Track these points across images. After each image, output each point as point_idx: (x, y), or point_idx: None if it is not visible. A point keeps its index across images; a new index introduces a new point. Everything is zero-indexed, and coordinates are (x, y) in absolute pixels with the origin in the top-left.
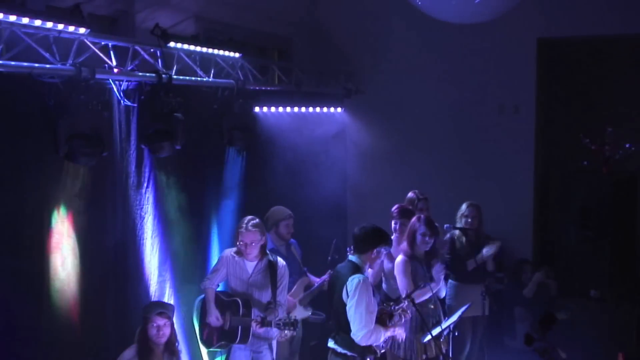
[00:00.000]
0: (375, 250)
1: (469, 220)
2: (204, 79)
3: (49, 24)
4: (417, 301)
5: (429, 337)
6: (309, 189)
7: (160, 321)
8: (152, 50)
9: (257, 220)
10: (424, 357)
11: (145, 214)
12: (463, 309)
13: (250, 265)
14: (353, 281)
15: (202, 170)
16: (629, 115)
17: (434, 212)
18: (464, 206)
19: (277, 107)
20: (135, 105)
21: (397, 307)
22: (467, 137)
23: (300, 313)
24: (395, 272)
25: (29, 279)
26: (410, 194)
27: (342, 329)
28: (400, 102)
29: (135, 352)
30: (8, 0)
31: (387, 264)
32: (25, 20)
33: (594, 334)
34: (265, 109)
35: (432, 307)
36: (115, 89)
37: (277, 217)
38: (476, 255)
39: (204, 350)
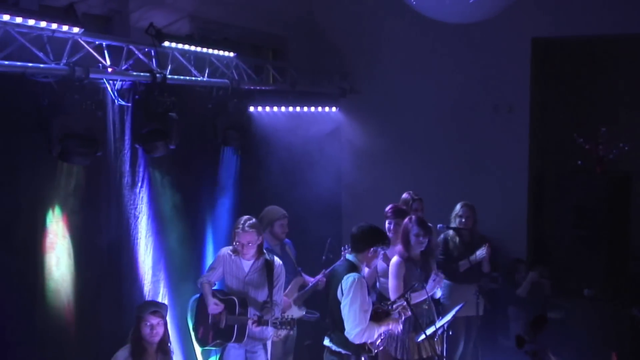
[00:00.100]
0: (372, 249)
1: (463, 220)
2: (199, 79)
3: (43, 24)
4: (412, 302)
5: (423, 336)
6: (303, 188)
7: (154, 320)
8: (146, 49)
9: (254, 220)
10: (417, 357)
11: (139, 213)
12: (457, 308)
13: (247, 264)
14: (348, 280)
15: (196, 169)
16: (623, 114)
17: (428, 212)
18: (458, 206)
19: (272, 106)
20: (130, 104)
21: (396, 306)
22: (462, 136)
23: (295, 312)
24: (389, 273)
25: (23, 278)
26: (404, 195)
27: (337, 327)
28: (395, 102)
29: (129, 352)
30: (1, 0)
31: (381, 264)
32: (18, 20)
33: (588, 333)
34: (260, 108)
35: (425, 307)
36: (109, 89)
37: (271, 217)
38: (470, 256)
39: (198, 350)
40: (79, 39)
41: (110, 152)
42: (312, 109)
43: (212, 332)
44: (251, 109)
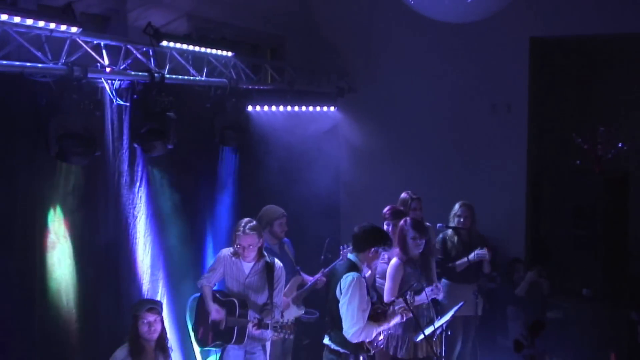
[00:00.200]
0: (373, 250)
1: (462, 219)
2: (197, 78)
3: (41, 23)
4: (418, 301)
5: (421, 336)
6: (302, 187)
7: (151, 317)
8: (144, 49)
9: (254, 222)
10: (415, 356)
11: (137, 213)
12: (456, 308)
13: (247, 266)
14: (347, 279)
15: (194, 169)
16: (622, 114)
17: (426, 212)
18: (456, 206)
19: (270, 106)
20: (128, 104)
21: (398, 307)
22: (460, 136)
23: (293, 312)
24: (386, 275)
25: (21, 278)
26: (403, 195)
27: (336, 325)
28: (393, 101)
29: (128, 351)
30: None
31: (380, 265)
32: (16, 20)
33: (586, 333)
34: (258, 108)
35: (425, 307)
36: (107, 88)
37: (270, 216)
38: (468, 255)
39: (197, 349)
40: (77, 39)
41: (109, 152)
42: (310, 108)
43: (212, 333)
44: (249, 108)
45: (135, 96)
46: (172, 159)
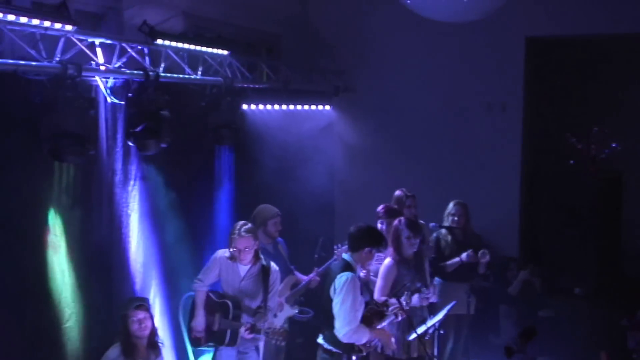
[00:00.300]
0: (367, 249)
1: (456, 218)
2: (192, 77)
3: (35, 21)
4: (412, 304)
5: (414, 335)
6: (297, 186)
7: (141, 314)
8: (139, 47)
9: (250, 225)
10: (408, 355)
11: (132, 211)
12: (448, 307)
13: (243, 269)
14: (341, 278)
15: (189, 167)
16: (615, 114)
17: (421, 210)
18: (450, 205)
19: (265, 104)
20: (122, 102)
21: (393, 308)
22: (455, 135)
23: (287, 311)
24: (379, 273)
25: (13, 276)
26: (397, 192)
27: (329, 325)
28: (388, 100)
29: (120, 350)
30: None
31: (374, 265)
32: (11, 17)
33: (578, 332)
34: (253, 106)
35: (418, 306)
36: (102, 87)
37: (265, 216)
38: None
39: (190, 348)
40: (72, 37)
41: (103, 150)
42: (306, 107)
43: (206, 334)
44: (245, 107)
45: (130, 94)
46: (167, 157)
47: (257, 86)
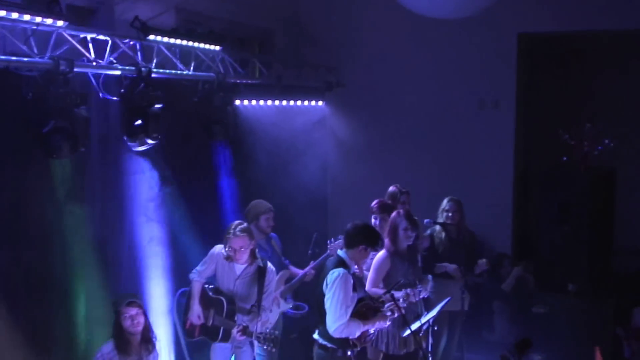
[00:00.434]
0: (361, 247)
1: (450, 214)
2: (184, 72)
3: (27, 17)
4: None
5: (408, 331)
6: (290, 182)
7: (132, 311)
8: (131, 42)
9: (245, 224)
10: (404, 351)
11: (124, 206)
12: (442, 303)
13: (239, 268)
14: (333, 274)
15: (182, 163)
16: (608, 111)
17: (413, 207)
18: (445, 201)
19: (257, 100)
20: (115, 98)
21: (389, 305)
22: (447, 131)
23: (281, 306)
24: (372, 265)
25: (7, 271)
26: (391, 188)
27: (323, 320)
28: (381, 96)
29: (113, 345)
30: None
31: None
32: (1, 13)
33: (572, 328)
34: (246, 102)
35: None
36: (94, 82)
37: (257, 211)
38: (456, 252)
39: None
40: (64, 32)
41: (95, 146)
42: (298, 102)
43: (199, 327)
44: (237, 102)
45: (122, 90)
46: (159, 153)
47: (249, 82)
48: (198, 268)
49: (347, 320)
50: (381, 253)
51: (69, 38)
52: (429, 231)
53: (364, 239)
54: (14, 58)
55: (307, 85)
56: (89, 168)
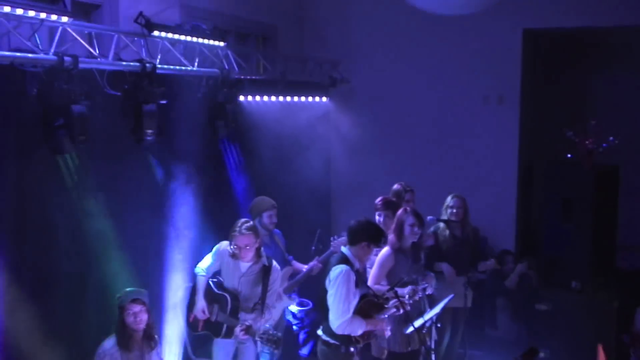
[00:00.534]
0: (364, 244)
1: (454, 211)
2: (188, 68)
3: (31, 13)
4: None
5: (411, 328)
6: (293, 178)
7: (136, 308)
8: (136, 39)
9: (251, 223)
10: (409, 348)
11: (129, 202)
12: (446, 300)
13: (244, 266)
14: (335, 271)
15: (186, 159)
16: (613, 108)
17: (417, 204)
18: (449, 198)
19: (262, 96)
20: (119, 94)
21: (393, 302)
22: (452, 127)
23: (285, 302)
24: (375, 261)
25: (10, 268)
26: (396, 186)
27: (326, 317)
28: (385, 92)
29: (115, 341)
30: None
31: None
32: (6, 9)
33: (575, 325)
34: (250, 98)
35: (416, 299)
36: (98, 78)
37: (260, 208)
38: (458, 249)
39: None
40: (68, 28)
41: (100, 142)
42: (302, 98)
43: (203, 322)
44: (241, 98)
45: (126, 86)
46: (164, 148)
47: (253, 77)
48: (203, 263)
49: (351, 317)
50: (385, 250)
51: (74, 34)
52: (432, 228)
53: (367, 235)
54: (18, 54)
55: (311, 81)
56: (93, 163)
